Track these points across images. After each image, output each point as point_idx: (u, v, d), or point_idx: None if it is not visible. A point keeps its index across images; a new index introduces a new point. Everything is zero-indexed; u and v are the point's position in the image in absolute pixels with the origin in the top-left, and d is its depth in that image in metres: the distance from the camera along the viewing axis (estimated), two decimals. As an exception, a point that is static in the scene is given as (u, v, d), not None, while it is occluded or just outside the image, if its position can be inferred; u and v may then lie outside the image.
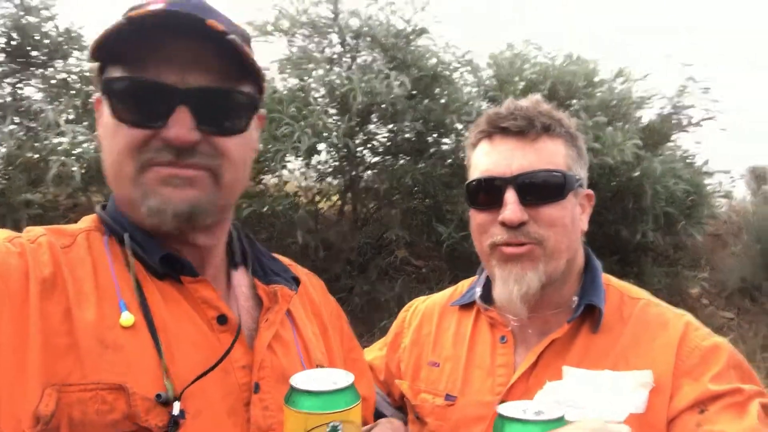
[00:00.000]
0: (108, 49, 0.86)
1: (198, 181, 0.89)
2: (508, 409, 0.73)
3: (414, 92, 5.07)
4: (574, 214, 1.26)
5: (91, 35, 4.16)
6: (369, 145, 5.62)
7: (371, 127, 5.50)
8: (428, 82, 5.26)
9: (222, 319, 0.92)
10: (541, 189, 1.21)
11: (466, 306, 1.42)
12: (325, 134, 4.46)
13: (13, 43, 3.74)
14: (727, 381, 1.10)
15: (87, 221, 0.97)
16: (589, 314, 1.25)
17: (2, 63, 3.74)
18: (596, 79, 5.67)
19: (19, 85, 4.02)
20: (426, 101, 5.12)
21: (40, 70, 3.98)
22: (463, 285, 1.51)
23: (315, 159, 5.52)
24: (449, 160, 5.47)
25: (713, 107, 5.62)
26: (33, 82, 4.04)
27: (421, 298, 1.58)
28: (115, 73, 0.88)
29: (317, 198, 5.57)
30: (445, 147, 5.61)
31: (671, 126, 5.79)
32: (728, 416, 1.05)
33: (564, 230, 1.22)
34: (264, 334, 0.95)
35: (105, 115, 0.90)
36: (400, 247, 5.49)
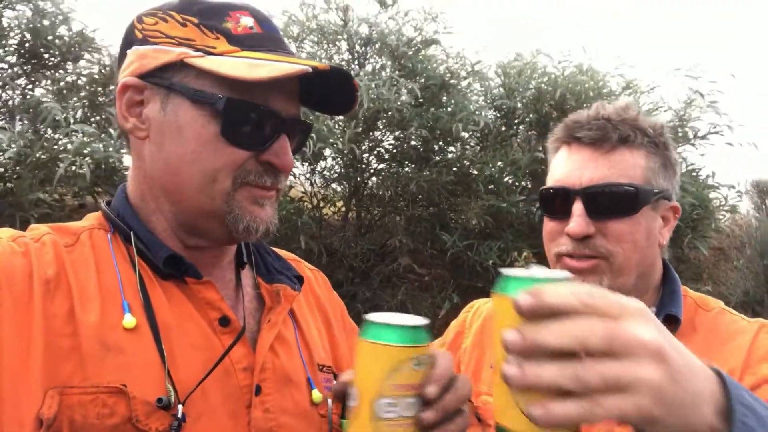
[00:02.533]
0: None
1: (273, 200, 0.94)
2: (510, 270, 0.71)
3: (421, 100, 5.09)
4: (649, 229, 1.22)
5: (105, 37, 4.16)
6: (375, 152, 5.63)
7: (377, 133, 5.52)
8: (436, 90, 5.28)
9: (224, 321, 0.91)
10: (609, 203, 1.18)
11: None
12: (330, 140, 4.47)
13: (27, 45, 3.76)
14: None
15: (91, 219, 0.96)
16: (664, 324, 1.24)
17: (14, 64, 3.76)
18: (605, 91, 5.69)
19: (29, 87, 4.03)
20: (433, 109, 5.14)
21: (51, 72, 4.00)
22: None
23: (321, 165, 5.55)
24: (455, 168, 5.48)
25: (720, 121, 5.63)
26: (43, 83, 4.05)
27: (482, 300, 1.55)
28: (210, 85, 0.87)
29: (322, 204, 5.57)
30: (450, 155, 5.63)
31: (677, 139, 5.79)
32: None
33: (634, 246, 1.19)
34: (266, 335, 0.94)
35: (199, 129, 0.87)
36: (403, 254, 5.49)
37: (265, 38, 0.91)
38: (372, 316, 0.74)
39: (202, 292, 0.91)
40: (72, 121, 3.39)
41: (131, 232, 0.90)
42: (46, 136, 3.35)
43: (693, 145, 5.90)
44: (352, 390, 0.73)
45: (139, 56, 0.90)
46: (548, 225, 1.27)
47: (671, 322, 1.23)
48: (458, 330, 1.51)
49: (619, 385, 0.53)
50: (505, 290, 0.63)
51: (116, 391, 0.78)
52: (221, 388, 0.86)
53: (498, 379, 0.62)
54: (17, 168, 3.20)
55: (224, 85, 0.86)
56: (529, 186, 5.64)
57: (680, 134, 5.81)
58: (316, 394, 0.96)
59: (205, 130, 0.87)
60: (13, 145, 3.04)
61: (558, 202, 1.23)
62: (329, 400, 0.97)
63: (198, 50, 0.88)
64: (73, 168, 3.06)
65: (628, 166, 1.20)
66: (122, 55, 0.94)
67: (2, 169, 3.23)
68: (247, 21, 0.91)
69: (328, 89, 0.94)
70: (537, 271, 0.64)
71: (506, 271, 0.67)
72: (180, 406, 0.80)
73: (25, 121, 3.55)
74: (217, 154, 0.87)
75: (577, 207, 1.18)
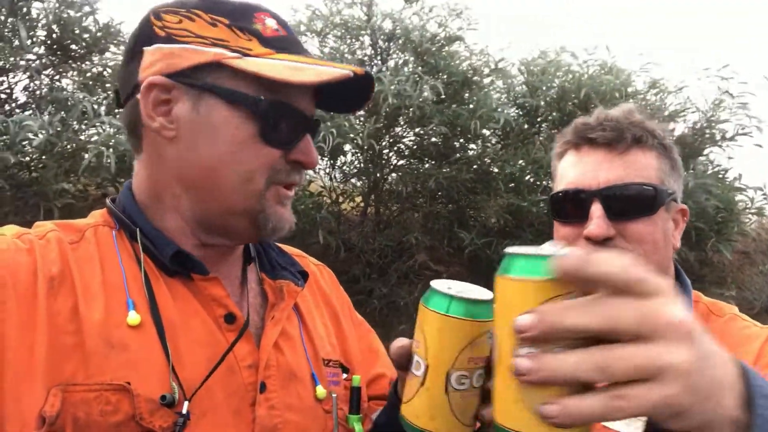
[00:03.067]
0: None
1: (290, 200, 0.96)
2: (517, 248, 0.65)
3: (443, 97, 5.06)
4: (665, 230, 1.21)
5: (129, 30, 4.22)
6: (395, 148, 5.62)
7: (398, 129, 5.50)
8: (458, 87, 5.24)
9: (230, 318, 0.90)
10: (629, 203, 1.17)
11: None
12: (350, 135, 4.47)
13: (54, 36, 3.82)
14: None
15: (96, 216, 0.96)
16: None
17: (42, 55, 3.82)
18: (630, 90, 5.59)
19: (56, 78, 4.09)
20: (454, 106, 5.10)
21: (77, 63, 4.06)
22: None
23: (340, 160, 5.55)
24: (474, 166, 5.44)
25: (749, 122, 5.50)
26: (69, 74, 4.12)
27: None
28: (246, 85, 0.88)
29: (340, 199, 5.59)
30: (471, 152, 5.59)
31: (704, 140, 5.68)
32: None
33: (654, 247, 1.18)
34: (270, 332, 0.94)
35: (235, 131, 0.88)
36: (419, 251, 5.48)
37: (289, 41, 0.93)
38: (442, 287, 0.72)
39: (208, 288, 0.91)
40: (101, 113, 3.44)
41: (137, 230, 0.90)
42: (73, 126, 3.40)
43: (720, 146, 5.78)
44: (418, 359, 0.73)
45: (166, 55, 0.88)
46: (562, 230, 1.23)
47: None
48: None
49: (648, 372, 0.48)
50: (515, 272, 0.56)
51: (120, 389, 0.78)
52: (225, 386, 0.86)
53: (502, 375, 0.56)
54: (43, 157, 3.26)
55: (259, 86, 0.87)
56: (551, 185, 5.58)
57: (707, 136, 5.69)
58: (320, 390, 0.96)
59: (240, 131, 0.88)
60: (41, 134, 3.09)
61: (573, 206, 1.20)
62: (334, 395, 0.96)
63: (234, 51, 0.87)
64: (98, 159, 3.11)
65: (642, 167, 1.19)
66: (136, 51, 0.91)
67: (28, 158, 3.28)
68: (272, 23, 0.92)
69: (346, 91, 0.94)
70: (549, 248, 0.56)
71: (513, 249, 0.58)
72: (186, 403, 0.80)
73: (52, 111, 3.60)
74: (253, 155, 0.89)
75: (596, 208, 1.16)
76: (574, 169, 1.23)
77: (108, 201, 0.97)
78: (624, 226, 1.16)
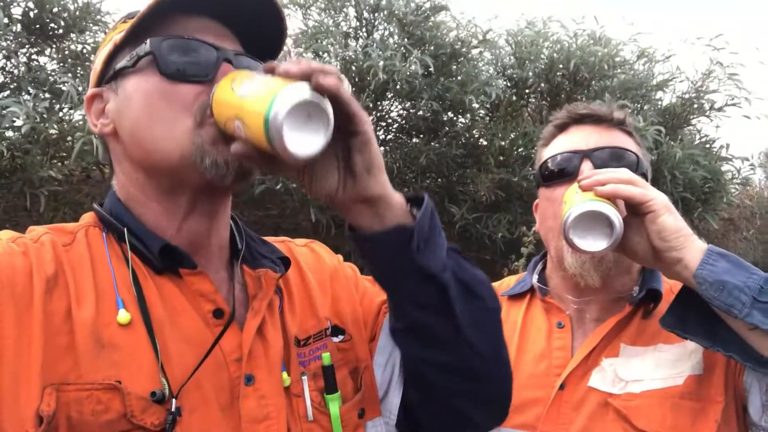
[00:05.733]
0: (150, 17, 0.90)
1: None
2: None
3: (431, 69, 4.98)
4: None
5: (110, 8, 4.09)
6: (382, 123, 5.55)
7: (385, 104, 5.43)
8: (445, 60, 5.16)
9: (218, 313, 0.91)
10: (614, 165, 1.26)
11: (516, 297, 1.48)
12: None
13: (31, 14, 3.68)
14: None
15: (86, 218, 0.98)
16: (644, 301, 1.32)
17: (18, 34, 3.68)
18: (618, 60, 5.56)
19: (33, 57, 3.96)
20: (442, 79, 5.04)
21: (55, 42, 3.92)
22: (511, 280, 1.57)
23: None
24: (463, 140, 5.41)
25: (739, 93, 5.49)
26: (47, 53, 3.99)
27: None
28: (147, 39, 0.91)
29: (330, 175, 5.52)
30: (460, 126, 5.54)
31: (692, 110, 5.69)
32: None
33: None
34: (249, 323, 0.93)
35: (144, 85, 0.91)
36: (410, 225, 5.46)
37: None
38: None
39: (195, 284, 0.92)
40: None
41: (124, 229, 0.92)
42: (61, 111, 3.31)
43: (708, 117, 5.79)
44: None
45: (93, 69, 0.98)
46: (554, 193, 1.31)
47: (654, 296, 1.32)
48: None
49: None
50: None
51: (111, 388, 0.79)
52: (214, 381, 0.87)
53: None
54: (27, 145, 3.17)
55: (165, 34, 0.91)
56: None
57: (696, 106, 5.69)
58: (285, 377, 0.95)
59: (148, 83, 0.90)
60: (20, 118, 3.00)
61: (563, 168, 1.31)
62: (304, 378, 0.96)
63: (122, 32, 0.92)
64: (83, 144, 3.04)
65: (625, 142, 1.33)
66: None
67: (8, 146, 3.19)
68: None
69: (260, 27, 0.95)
70: None
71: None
72: (173, 400, 0.81)
73: (32, 93, 3.49)
74: (169, 98, 0.89)
75: (586, 165, 1.27)
76: (564, 143, 1.34)
77: (95, 205, 0.99)
78: None
